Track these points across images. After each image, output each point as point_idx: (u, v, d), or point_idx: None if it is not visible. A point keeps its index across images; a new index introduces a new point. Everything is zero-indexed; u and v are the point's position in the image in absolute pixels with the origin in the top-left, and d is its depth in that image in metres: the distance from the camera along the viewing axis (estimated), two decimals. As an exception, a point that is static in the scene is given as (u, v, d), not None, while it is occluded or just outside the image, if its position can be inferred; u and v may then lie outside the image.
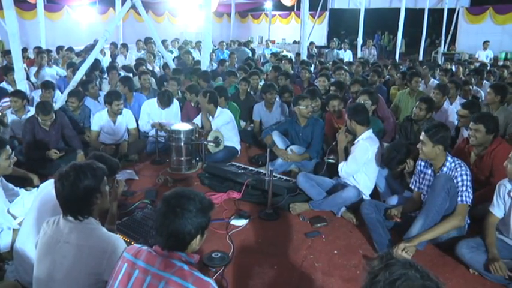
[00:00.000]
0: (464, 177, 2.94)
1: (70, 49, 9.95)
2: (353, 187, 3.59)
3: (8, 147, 2.84)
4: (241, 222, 3.47)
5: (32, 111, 4.81)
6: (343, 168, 3.68)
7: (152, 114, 5.38)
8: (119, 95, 5.07)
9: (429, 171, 3.17)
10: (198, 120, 5.13)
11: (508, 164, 2.70)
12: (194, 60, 9.56)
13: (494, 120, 3.48)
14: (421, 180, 3.24)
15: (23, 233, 2.46)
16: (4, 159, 2.81)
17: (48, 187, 2.45)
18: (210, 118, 5.01)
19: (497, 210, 2.81)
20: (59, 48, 10.32)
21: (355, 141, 3.70)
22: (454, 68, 9.03)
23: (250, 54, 12.19)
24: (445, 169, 3.02)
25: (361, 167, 3.63)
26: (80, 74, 6.35)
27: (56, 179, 1.93)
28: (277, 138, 4.67)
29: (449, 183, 2.89)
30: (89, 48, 10.31)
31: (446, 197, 2.87)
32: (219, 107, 5.03)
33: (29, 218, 2.43)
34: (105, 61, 9.21)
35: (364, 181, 3.67)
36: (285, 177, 4.19)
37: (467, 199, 2.93)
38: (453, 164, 3.00)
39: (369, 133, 3.69)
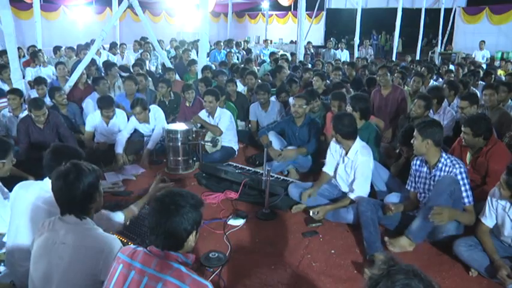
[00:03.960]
0: (464, 175, 2.98)
1: (71, 48, 9.93)
2: (353, 209, 3.42)
3: (11, 151, 2.79)
4: (239, 222, 3.47)
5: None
6: (354, 196, 3.48)
7: (140, 130, 5.23)
8: (111, 103, 4.99)
9: (424, 169, 3.19)
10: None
11: (500, 189, 2.63)
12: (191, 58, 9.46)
13: (483, 123, 3.43)
14: (416, 179, 3.26)
15: (11, 236, 2.40)
16: (8, 163, 2.74)
17: (18, 193, 2.40)
18: (210, 118, 5.00)
19: (489, 221, 2.79)
20: (56, 49, 10.30)
21: (348, 155, 3.54)
22: (453, 68, 9.05)
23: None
24: (440, 165, 3.05)
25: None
26: (76, 74, 6.35)
27: (54, 177, 1.93)
28: (273, 138, 4.68)
29: (453, 185, 2.90)
30: (83, 48, 10.31)
31: (448, 198, 2.88)
32: (218, 108, 5.03)
33: (15, 223, 2.36)
34: (101, 62, 9.19)
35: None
36: (282, 177, 4.19)
37: (470, 199, 2.99)
38: (448, 161, 3.04)
39: (358, 143, 3.57)
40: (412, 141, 3.14)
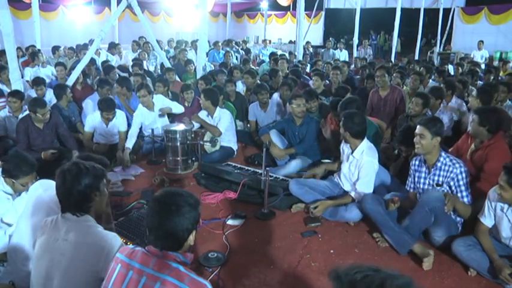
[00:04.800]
0: (463, 175, 2.96)
1: (71, 49, 9.90)
2: (356, 207, 3.43)
3: (34, 172, 2.81)
4: (238, 222, 3.47)
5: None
6: (358, 197, 3.45)
7: (146, 120, 5.30)
8: (112, 106, 4.98)
9: (423, 169, 3.17)
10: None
11: (501, 191, 2.60)
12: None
13: (492, 116, 3.44)
14: (416, 179, 3.24)
15: (17, 234, 2.43)
16: (19, 184, 2.77)
17: (37, 190, 2.44)
18: (209, 118, 5.00)
19: (488, 220, 2.78)
20: (55, 49, 10.29)
21: (354, 154, 3.54)
22: (451, 68, 9.05)
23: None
24: (439, 164, 3.03)
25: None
26: (75, 74, 6.34)
27: (57, 174, 1.97)
28: (275, 137, 4.68)
29: (436, 203, 2.88)
30: (82, 48, 10.31)
31: (428, 213, 2.90)
32: (218, 107, 5.02)
33: (23, 221, 2.40)
34: (100, 62, 9.18)
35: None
36: (281, 177, 4.18)
37: (468, 198, 2.99)
38: (447, 160, 3.01)
39: (365, 143, 3.56)
40: (416, 141, 3.06)
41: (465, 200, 2.99)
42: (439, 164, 3.04)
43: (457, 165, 2.98)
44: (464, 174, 2.97)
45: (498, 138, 3.49)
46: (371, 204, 3.19)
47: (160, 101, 5.45)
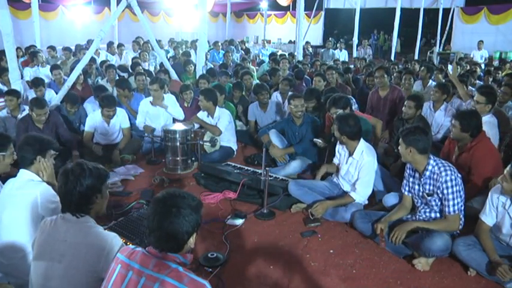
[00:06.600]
0: (449, 183, 2.83)
1: (67, 49, 9.89)
2: (356, 207, 3.47)
3: (12, 144, 2.76)
4: (237, 222, 3.47)
5: (27, 110, 4.77)
6: (358, 197, 3.51)
7: (150, 113, 5.36)
8: (112, 103, 4.96)
9: (416, 175, 3.08)
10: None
11: (503, 181, 2.59)
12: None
13: (473, 121, 3.43)
14: (411, 184, 3.14)
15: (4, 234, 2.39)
16: (8, 156, 2.69)
17: (32, 195, 2.39)
18: (210, 118, 5.00)
19: (490, 219, 2.76)
20: (51, 48, 10.23)
21: (354, 155, 3.53)
22: (450, 68, 9.02)
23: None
24: (427, 173, 2.94)
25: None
26: (75, 74, 6.32)
27: (60, 173, 1.98)
28: (274, 137, 4.67)
29: (438, 253, 2.81)
30: (81, 48, 10.29)
31: (428, 256, 2.86)
32: (217, 107, 5.02)
33: (14, 220, 2.36)
34: (99, 61, 9.16)
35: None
36: (280, 177, 4.18)
37: (455, 208, 2.85)
38: (436, 168, 2.90)
39: (363, 143, 3.55)
40: (398, 148, 3.04)
41: (451, 209, 2.85)
42: (427, 173, 2.94)
43: (444, 173, 2.85)
44: (450, 183, 2.83)
45: (480, 138, 3.49)
46: (361, 222, 3.21)
47: (171, 101, 5.51)
